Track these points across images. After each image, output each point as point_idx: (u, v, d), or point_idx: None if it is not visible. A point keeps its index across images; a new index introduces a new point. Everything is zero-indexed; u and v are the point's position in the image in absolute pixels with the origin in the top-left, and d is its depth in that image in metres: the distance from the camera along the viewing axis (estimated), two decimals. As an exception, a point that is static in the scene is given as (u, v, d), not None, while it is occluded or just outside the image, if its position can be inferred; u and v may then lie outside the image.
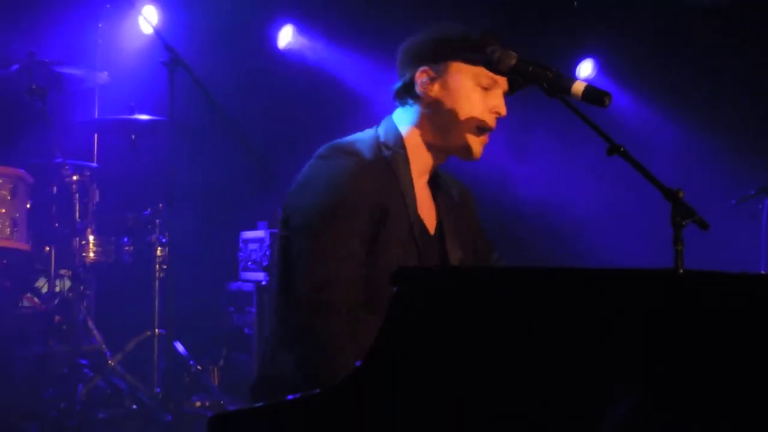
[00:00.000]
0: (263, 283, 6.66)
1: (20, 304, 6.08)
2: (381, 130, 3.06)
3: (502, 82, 3.01)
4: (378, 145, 3.00)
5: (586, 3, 8.48)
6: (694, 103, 8.41)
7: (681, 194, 2.52)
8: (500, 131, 3.06)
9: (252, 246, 6.87)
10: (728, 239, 6.58)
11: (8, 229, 5.77)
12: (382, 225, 2.87)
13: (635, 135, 8.05)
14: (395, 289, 1.96)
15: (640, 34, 8.40)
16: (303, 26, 7.91)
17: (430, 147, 3.05)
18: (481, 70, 2.96)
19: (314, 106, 7.77)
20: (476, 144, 3.02)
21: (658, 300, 1.83)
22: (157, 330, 6.18)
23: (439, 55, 2.99)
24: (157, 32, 5.75)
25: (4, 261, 5.89)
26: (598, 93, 2.69)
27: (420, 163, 3.05)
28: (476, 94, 2.98)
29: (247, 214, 7.06)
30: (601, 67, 8.64)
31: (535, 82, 2.79)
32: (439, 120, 3.01)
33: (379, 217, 2.87)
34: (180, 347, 6.10)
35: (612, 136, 2.65)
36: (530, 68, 2.79)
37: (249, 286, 6.83)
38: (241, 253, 6.97)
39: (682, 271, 1.76)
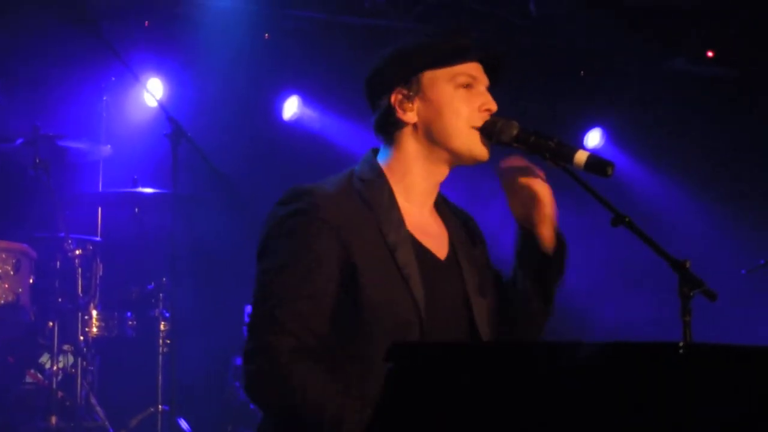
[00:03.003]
0: (269, 356, 6.57)
1: (24, 380, 6.04)
2: (357, 166, 2.90)
3: (482, 76, 2.84)
4: (349, 179, 2.84)
5: (594, 72, 8.48)
6: (703, 171, 8.38)
7: (688, 264, 2.48)
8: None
9: (256, 319, 6.79)
10: (738, 309, 6.53)
11: (11, 305, 5.74)
12: (353, 258, 2.67)
13: (644, 204, 8.01)
14: (389, 366, 1.91)
15: (648, 102, 8.40)
16: (308, 97, 7.90)
17: (426, 167, 2.84)
18: (456, 69, 2.80)
19: (320, 177, 7.72)
20: (478, 145, 2.79)
21: (658, 376, 1.77)
22: (160, 406, 6.06)
23: (407, 71, 2.81)
24: (161, 105, 5.74)
25: (7, 336, 5.85)
26: (601, 163, 2.66)
27: (416, 188, 2.85)
28: (459, 96, 2.78)
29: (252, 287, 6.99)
30: (609, 136, 8.61)
31: (537, 152, 2.74)
32: (431, 136, 2.80)
33: (346, 250, 2.68)
34: (184, 424, 6.02)
35: (619, 206, 2.61)
36: (532, 138, 2.73)
37: (254, 360, 6.74)
38: (246, 327, 6.90)
39: (681, 344, 1.70)
